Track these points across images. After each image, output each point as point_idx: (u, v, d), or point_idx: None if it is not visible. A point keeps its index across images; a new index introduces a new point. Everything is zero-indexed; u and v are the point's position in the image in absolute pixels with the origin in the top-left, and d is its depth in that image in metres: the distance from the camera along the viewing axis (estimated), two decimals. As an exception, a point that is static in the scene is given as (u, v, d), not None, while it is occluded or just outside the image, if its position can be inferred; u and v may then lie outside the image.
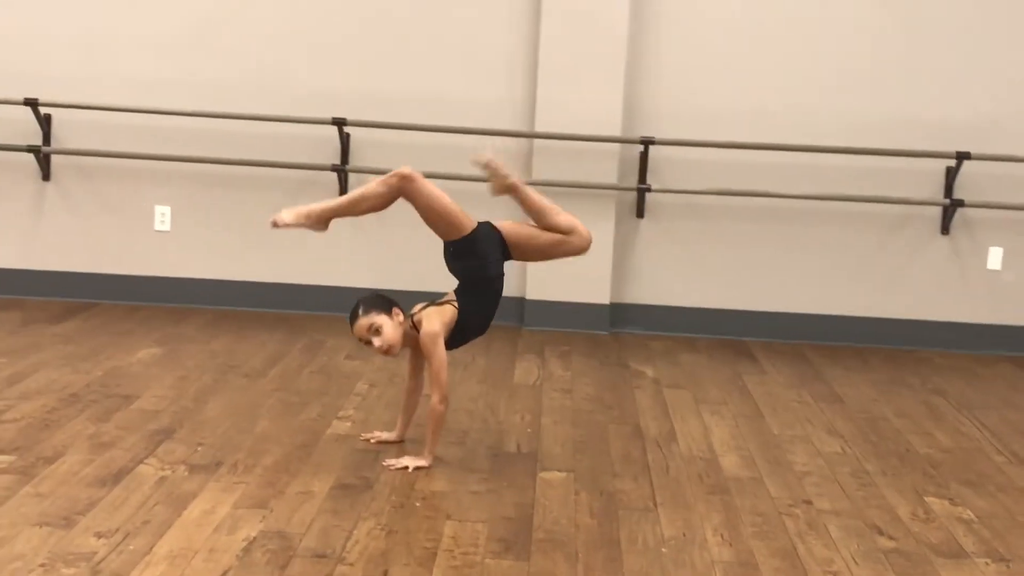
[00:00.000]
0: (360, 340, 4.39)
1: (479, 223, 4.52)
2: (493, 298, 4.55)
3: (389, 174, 4.41)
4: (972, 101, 6.85)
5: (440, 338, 4.39)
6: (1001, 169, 6.85)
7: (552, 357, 6.31)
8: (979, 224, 6.96)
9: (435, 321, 4.40)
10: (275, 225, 4.51)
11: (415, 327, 4.43)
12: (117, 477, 4.09)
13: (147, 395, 5.12)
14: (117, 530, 3.62)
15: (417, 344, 4.45)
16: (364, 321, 4.35)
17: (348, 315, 4.43)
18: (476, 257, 4.47)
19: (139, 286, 7.07)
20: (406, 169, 4.42)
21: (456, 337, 4.51)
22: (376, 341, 4.34)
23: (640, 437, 4.90)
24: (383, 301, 4.44)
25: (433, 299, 4.55)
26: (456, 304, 4.50)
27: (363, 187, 4.54)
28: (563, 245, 4.60)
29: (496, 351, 6.35)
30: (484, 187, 6.86)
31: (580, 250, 4.63)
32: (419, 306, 4.52)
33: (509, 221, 4.66)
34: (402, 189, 4.43)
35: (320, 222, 4.57)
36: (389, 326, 4.35)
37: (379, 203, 4.50)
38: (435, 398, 4.37)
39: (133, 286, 7.07)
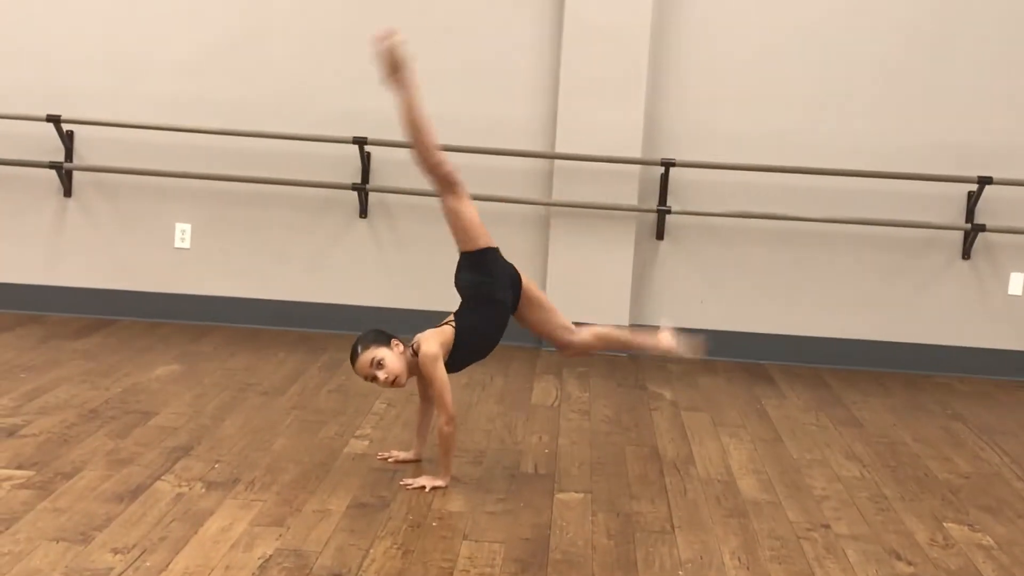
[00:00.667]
0: (365, 377, 4.38)
1: (499, 254, 4.57)
2: (494, 321, 4.52)
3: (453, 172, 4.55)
4: (994, 125, 6.83)
5: (439, 360, 4.36)
6: (1023, 194, 6.82)
7: (570, 378, 6.30)
8: (1001, 249, 6.93)
9: (432, 343, 4.38)
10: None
11: (415, 353, 4.41)
12: (135, 493, 4.10)
13: (165, 412, 5.13)
14: (134, 546, 3.63)
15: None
16: (365, 357, 4.34)
17: (349, 357, 4.44)
18: (487, 274, 4.48)
19: (159, 303, 7.10)
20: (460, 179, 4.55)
21: (455, 358, 4.48)
22: (380, 375, 4.33)
23: (658, 459, 4.89)
24: (380, 335, 4.43)
25: (438, 322, 4.53)
26: (454, 324, 4.47)
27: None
28: (560, 332, 4.69)
29: (514, 372, 6.35)
30: (506, 208, 6.90)
31: (568, 347, 4.73)
32: (419, 334, 4.50)
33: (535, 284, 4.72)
34: (449, 183, 4.56)
35: None
36: (391, 357, 4.35)
37: (430, 158, 4.69)
38: (441, 420, 4.36)
39: (153, 303, 7.09)
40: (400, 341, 4.44)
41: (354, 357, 4.38)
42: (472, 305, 4.51)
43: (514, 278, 4.57)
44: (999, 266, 6.94)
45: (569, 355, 4.86)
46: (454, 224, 4.57)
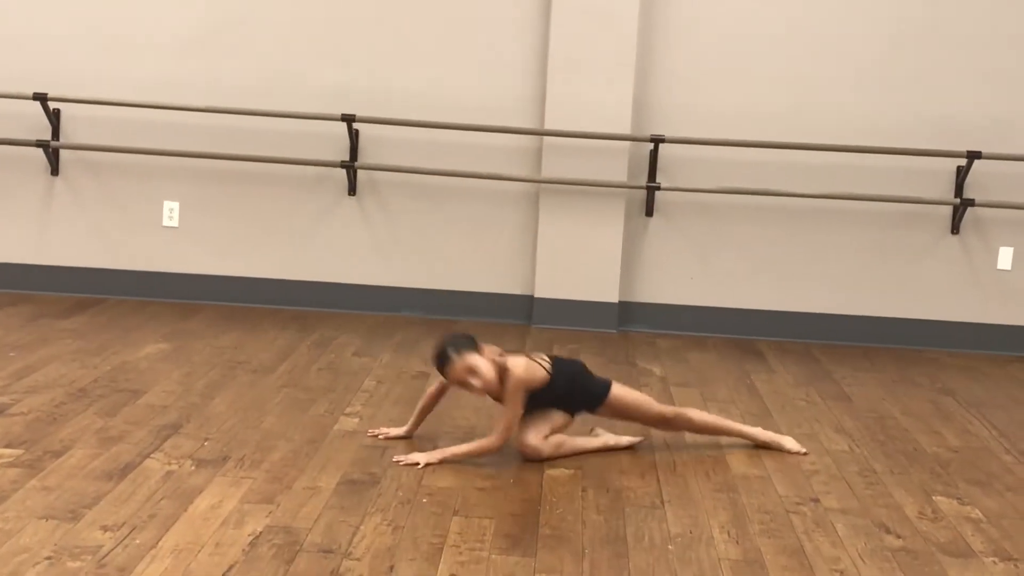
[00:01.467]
0: (456, 383, 4.39)
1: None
2: (571, 400, 4.56)
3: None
4: (983, 100, 6.83)
5: (524, 389, 4.38)
6: (1012, 168, 6.83)
7: (560, 355, 6.29)
8: (989, 224, 6.94)
9: (528, 373, 4.38)
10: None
11: (503, 368, 4.38)
12: (124, 471, 4.09)
13: (155, 390, 5.12)
14: (123, 524, 3.62)
15: None
16: (461, 364, 4.33)
17: (434, 358, 4.43)
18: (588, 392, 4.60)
19: (147, 282, 7.08)
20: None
21: (530, 401, 4.47)
22: (476, 383, 4.33)
23: (648, 434, 4.89)
24: (471, 341, 4.42)
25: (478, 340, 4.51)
26: (550, 372, 4.46)
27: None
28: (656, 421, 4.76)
29: (504, 348, 6.33)
30: (495, 184, 6.90)
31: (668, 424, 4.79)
32: (496, 348, 4.49)
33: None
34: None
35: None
36: (486, 367, 4.34)
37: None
38: (495, 439, 4.37)
39: (141, 282, 7.08)
40: (486, 347, 4.45)
41: (445, 360, 4.36)
42: (567, 384, 4.55)
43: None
44: (988, 241, 6.95)
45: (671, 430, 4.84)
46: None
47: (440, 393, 4.67)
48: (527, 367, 4.40)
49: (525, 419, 4.47)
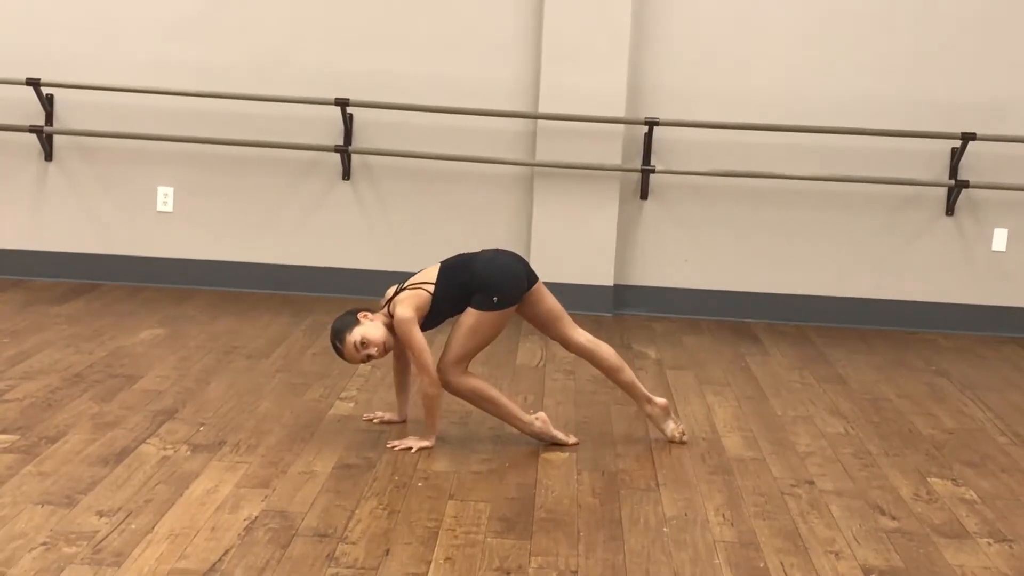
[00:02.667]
0: (361, 362, 4.41)
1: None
2: (468, 293, 4.45)
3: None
4: (978, 82, 6.82)
5: (414, 324, 4.33)
6: (1007, 150, 6.83)
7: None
8: (984, 205, 6.94)
9: (408, 307, 4.34)
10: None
11: (390, 314, 4.39)
12: (119, 456, 4.09)
13: (150, 375, 5.12)
14: (119, 509, 3.63)
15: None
16: (348, 346, 4.33)
17: (335, 353, 4.43)
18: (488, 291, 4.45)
19: (142, 267, 7.07)
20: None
21: (431, 319, 4.45)
22: (372, 351, 4.32)
23: (643, 418, 4.89)
24: (345, 316, 4.40)
25: (403, 279, 4.48)
26: (431, 290, 4.41)
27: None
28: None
29: (500, 333, 6.33)
30: (490, 168, 6.89)
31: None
32: (391, 290, 4.48)
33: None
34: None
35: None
36: (369, 330, 4.33)
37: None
38: (424, 382, 4.35)
39: (136, 267, 7.07)
40: (366, 309, 4.43)
41: (341, 352, 4.37)
42: (457, 288, 4.44)
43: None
44: (983, 222, 6.96)
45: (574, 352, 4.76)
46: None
47: (404, 369, 4.67)
48: (407, 300, 4.37)
49: (447, 342, 4.44)
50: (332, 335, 4.39)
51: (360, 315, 4.39)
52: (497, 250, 4.66)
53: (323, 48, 6.90)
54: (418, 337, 4.33)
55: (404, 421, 4.67)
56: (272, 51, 6.91)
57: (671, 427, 4.61)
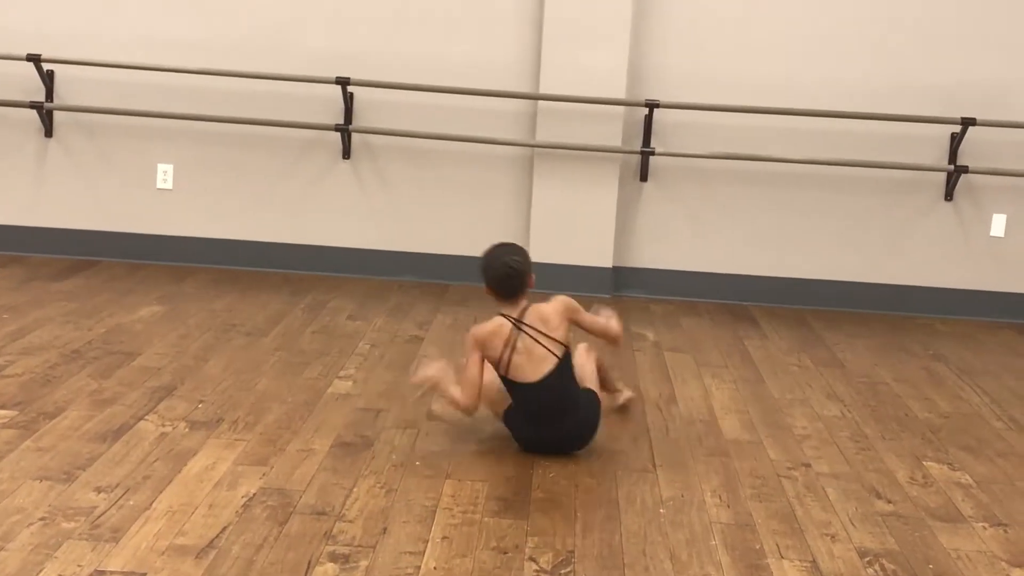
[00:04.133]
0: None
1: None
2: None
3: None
4: (978, 67, 6.81)
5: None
6: (1006, 135, 6.82)
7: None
8: (983, 190, 6.94)
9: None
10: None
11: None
12: (118, 433, 4.10)
13: (149, 352, 5.13)
14: (117, 485, 3.64)
15: None
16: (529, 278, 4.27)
17: (488, 259, 4.30)
18: None
19: (141, 244, 7.07)
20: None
21: None
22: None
23: (640, 399, 4.90)
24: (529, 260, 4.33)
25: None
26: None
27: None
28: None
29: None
30: (490, 149, 6.89)
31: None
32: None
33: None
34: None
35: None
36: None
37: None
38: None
39: (135, 244, 7.07)
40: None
41: (524, 273, 4.25)
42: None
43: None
44: (981, 207, 6.96)
45: None
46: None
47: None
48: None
49: None
50: (515, 252, 4.32)
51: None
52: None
53: (324, 27, 6.89)
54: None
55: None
56: (273, 29, 6.90)
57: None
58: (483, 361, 4.18)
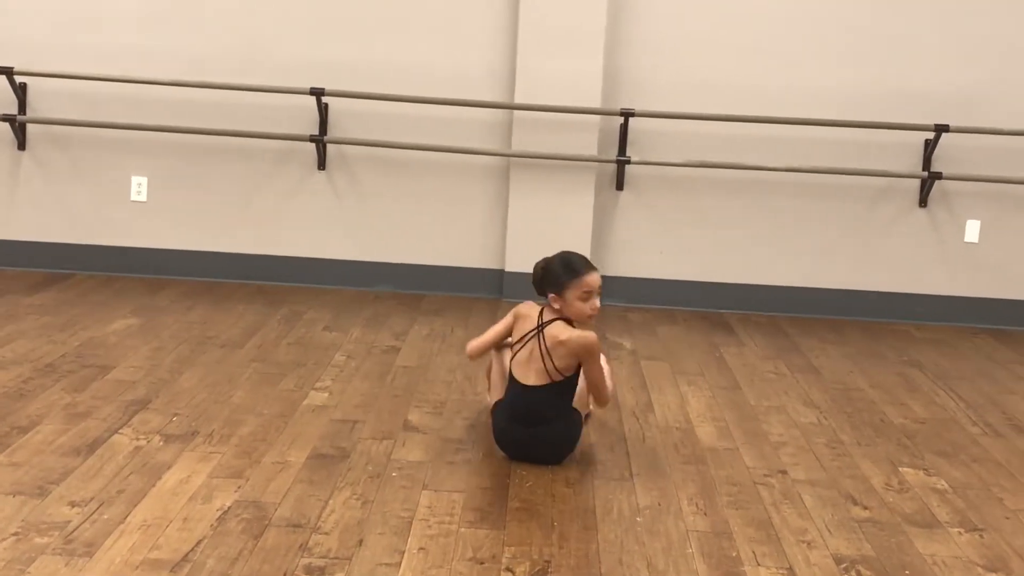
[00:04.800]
0: (585, 292, 4.12)
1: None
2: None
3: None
4: (951, 73, 6.85)
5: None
6: (979, 142, 6.86)
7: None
8: (957, 197, 6.98)
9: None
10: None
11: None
12: (92, 447, 4.08)
13: (123, 365, 5.10)
14: (91, 499, 3.61)
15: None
16: (599, 277, 4.21)
17: (572, 261, 4.19)
18: None
19: (115, 257, 7.04)
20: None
21: None
22: (597, 302, 4.18)
23: (617, 408, 4.90)
24: None
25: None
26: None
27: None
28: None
29: (475, 323, 6.35)
30: (465, 158, 6.89)
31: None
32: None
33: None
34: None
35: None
36: None
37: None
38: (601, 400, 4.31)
39: (109, 257, 7.04)
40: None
41: (588, 267, 4.17)
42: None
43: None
44: (956, 214, 6.99)
45: None
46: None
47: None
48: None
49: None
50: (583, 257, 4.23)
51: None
52: None
53: (298, 37, 6.88)
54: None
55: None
56: (247, 40, 6.89)
57: None
58: (508, 331, 4.32)
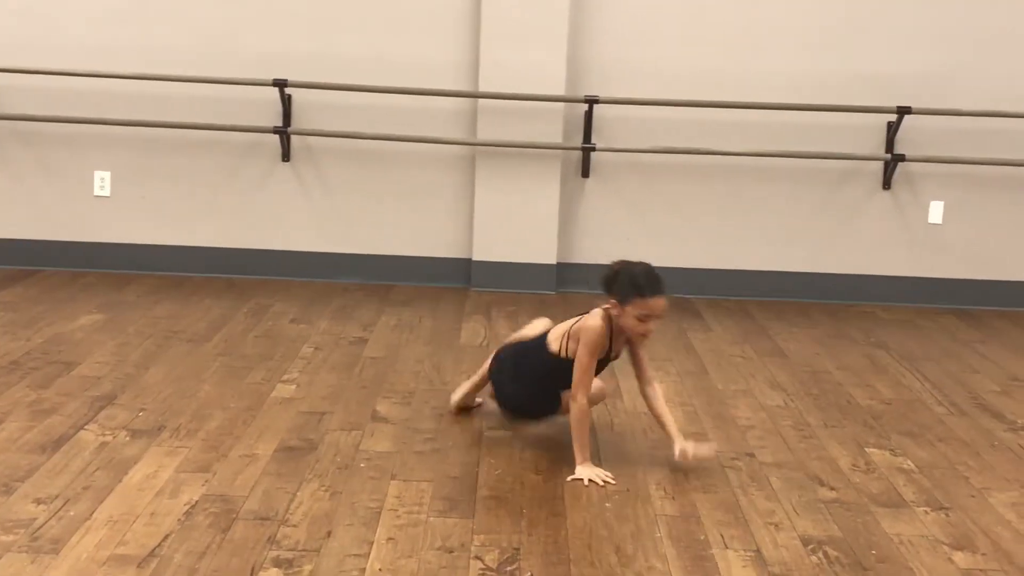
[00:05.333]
0: (651, 316, 4.03)
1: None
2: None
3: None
4: (913, 56, 6.88)
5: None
6: (941, 123, 6.89)
7: (499, 318, 6.31)
8: (920, 178, 7.01)
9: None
10: None
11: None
12: (58, 443, 4.05)
13: (89, 361, 5.07)
14: (57, 496, 3.59)
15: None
16: (665, 304, 4.06)
17: (645, 280, 4.05)
18: None
19: (80, 252, 6.99)
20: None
21: None
22: (653, 327, 4.09)
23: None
24: None
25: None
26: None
27: None
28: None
29: (443, 312, 6.34)
30: (431, 148, 6.87)
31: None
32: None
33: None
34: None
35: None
36: None
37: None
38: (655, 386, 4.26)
39: (74, 252, 6.99)
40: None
41: (658, 292, 4.04)
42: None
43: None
44: (919, 195, 7.03)
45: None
46: None
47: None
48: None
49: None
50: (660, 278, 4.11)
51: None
52: None
53: (260, 29, 6.84)
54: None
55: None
56: (209, 33, 6.84)
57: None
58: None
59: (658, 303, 4.04)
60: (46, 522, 3.41)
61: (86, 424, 4.27)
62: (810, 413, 4.81)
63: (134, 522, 3.44)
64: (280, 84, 6.69)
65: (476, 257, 6.95)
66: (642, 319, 4.04)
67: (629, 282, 4.06)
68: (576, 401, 4.06)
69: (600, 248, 7.04)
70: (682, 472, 4.06)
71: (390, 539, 3.41)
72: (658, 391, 4.25)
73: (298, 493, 3.72)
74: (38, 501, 3.55)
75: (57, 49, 6.81)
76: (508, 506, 3.71)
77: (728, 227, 7.05)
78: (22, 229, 6.99)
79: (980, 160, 6.88)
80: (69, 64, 6.76)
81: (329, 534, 3.43)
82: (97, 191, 6.98)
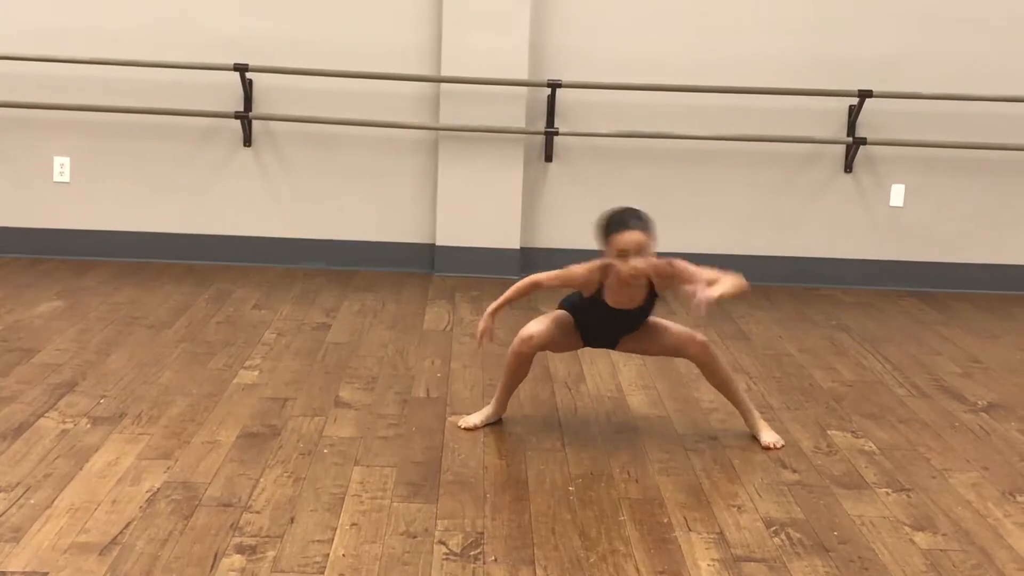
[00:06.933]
0: (627, 252, 4.03)
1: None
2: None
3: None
4: (874, 39, 6.91)
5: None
6: (903, 106, 6.93)
7: (463, 302, 6.30)
8: (881, 161, 7.05)
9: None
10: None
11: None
12: (18, 432, 4.02)
13: (49, 348, 5.03)
14: (17, 484, 3.56)
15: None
16: (633, 236, 4.04)
17: (610, 219, 4.10)
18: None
19: (39, 239, 6.93)
20: None
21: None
22: (635, 262, 4.04)
23: (549, 379, 4.92)
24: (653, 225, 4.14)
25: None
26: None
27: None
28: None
29: (406, 297, 6.33)
30: (393, 133, 6.85)
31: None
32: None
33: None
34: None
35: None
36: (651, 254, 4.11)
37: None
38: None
39: (33, 239, 6.93)
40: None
41: (623, 227, 4.07)
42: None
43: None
44: (880, 178, 7.07)
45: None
46: None
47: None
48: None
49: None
50: (637, 214, 4.15)
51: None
52: None
53: (220, 12, 6.79)
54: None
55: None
56: (168, 16, 6.79)
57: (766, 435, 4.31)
58: None
59: (624, 237, 4.04)
60: (6, 510, 3.38)
61: (46, 412, 4.23)
62: (772, 395, 4.84)
63: (95, 510, 3.41)
64: (241, 68, 6.64)
65: (439, 242, 6.94)
66: (621, 256, 4.06)
67: (601, 227, 4.15)
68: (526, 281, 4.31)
69: (563, 233, 7.04)
70: (646, 455, 4.07)
71: (353, 524, 3.41)
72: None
73: (261, 479, 3.71)
74: (-2, 489, 3.52)
75: (13, 33, 6.73)
76: (472, 491, 3.70)
77: (690, 211, 7.06)
78: (-20, 215, 6.93)
79: (941, 143, 6.92)
80: (26, 48, 6.68)
81: (292, 520, 3.41)
82: (57, 177, 6.91)
